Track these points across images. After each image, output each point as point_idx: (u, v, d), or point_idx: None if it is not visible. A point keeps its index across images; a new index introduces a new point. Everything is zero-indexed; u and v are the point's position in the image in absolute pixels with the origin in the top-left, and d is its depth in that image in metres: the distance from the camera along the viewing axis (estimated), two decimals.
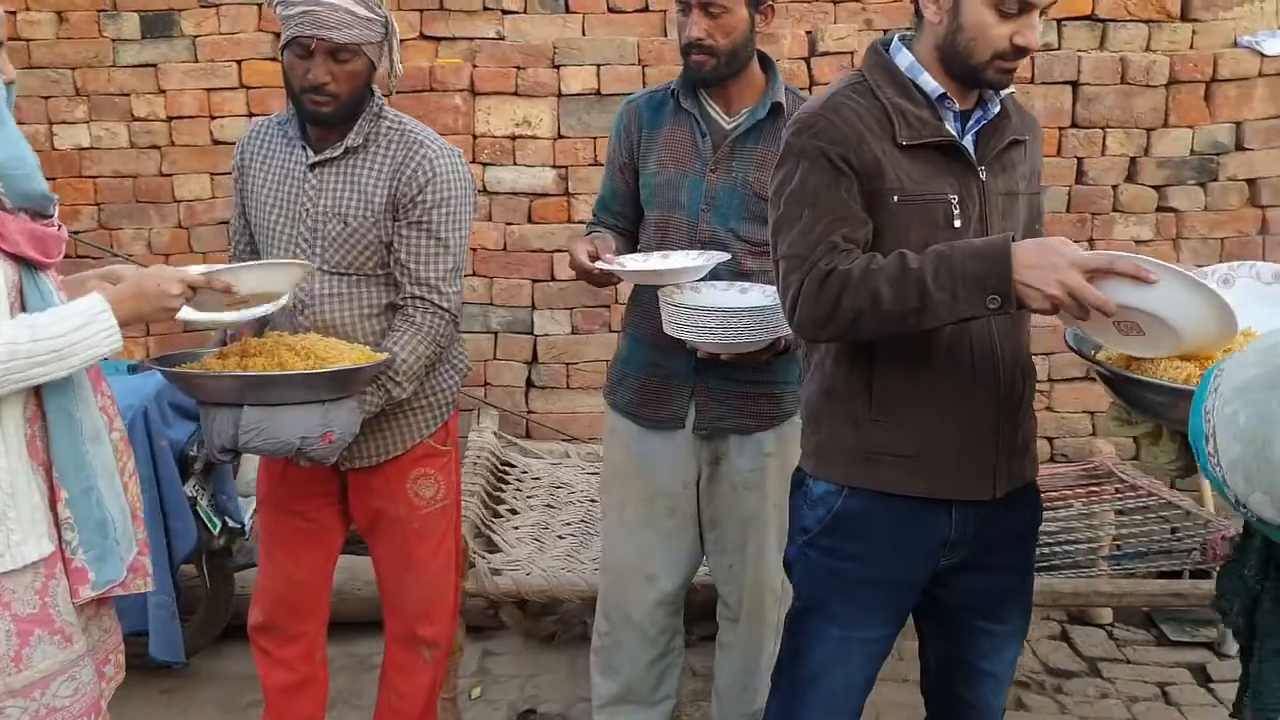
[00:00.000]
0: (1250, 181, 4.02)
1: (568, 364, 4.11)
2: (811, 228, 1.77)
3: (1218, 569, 1.80)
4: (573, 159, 3.95)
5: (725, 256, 2.40)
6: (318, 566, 2.56)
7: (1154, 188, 4.02)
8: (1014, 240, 1.67)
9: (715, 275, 2.44)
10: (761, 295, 2.39)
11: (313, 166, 2.30)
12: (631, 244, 2.63)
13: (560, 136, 3.96)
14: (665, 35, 4.00)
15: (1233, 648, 3.57)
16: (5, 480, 1.72)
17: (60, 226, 1.82)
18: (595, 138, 3.96)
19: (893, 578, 1.91)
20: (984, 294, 1.65)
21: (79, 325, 1.70)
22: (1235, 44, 3.95)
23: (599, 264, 2.40)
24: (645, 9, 4.03)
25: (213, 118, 4.08)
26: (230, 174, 2.52)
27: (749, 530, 2.61)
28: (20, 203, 1.74)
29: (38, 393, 1.76)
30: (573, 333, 4.09)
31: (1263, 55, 3.89)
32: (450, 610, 2.60)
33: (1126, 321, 1.63)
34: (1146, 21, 3.94)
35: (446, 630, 2.59)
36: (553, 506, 3.49)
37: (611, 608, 2.71)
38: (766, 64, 2.51)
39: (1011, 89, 1.91)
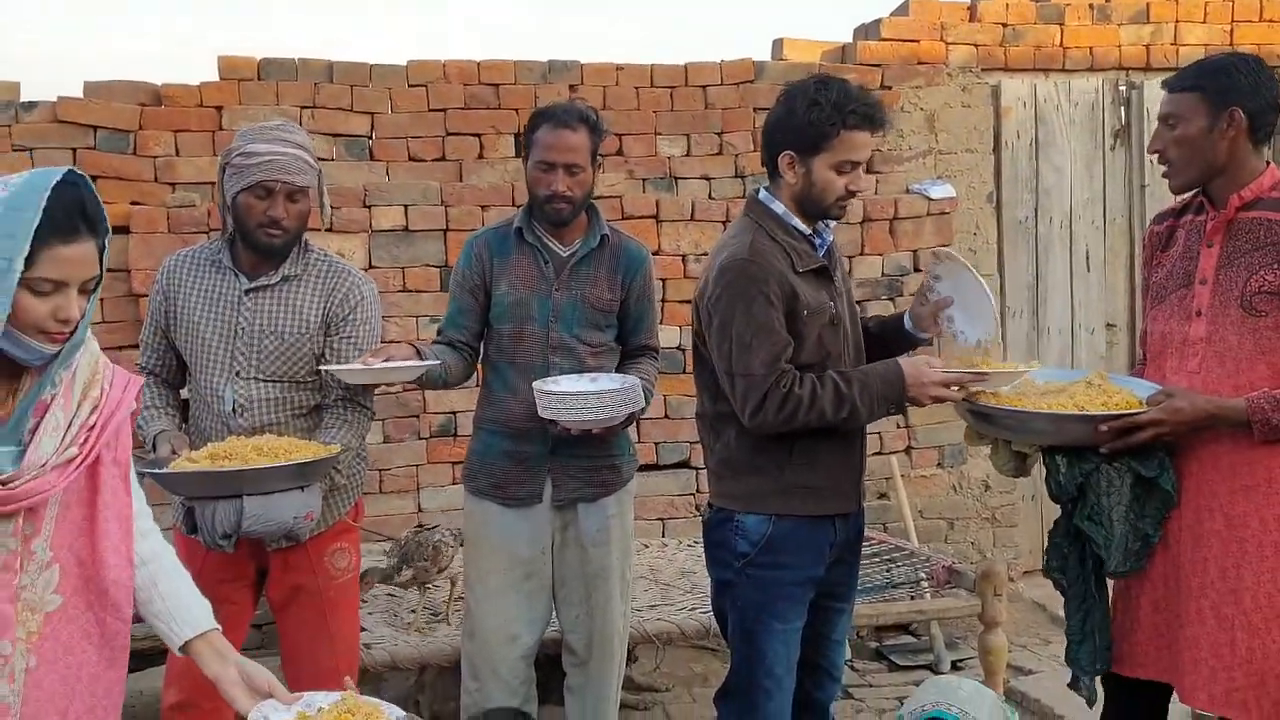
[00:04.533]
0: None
1: (381, 470, 4.51)
2: (762, 355, 2.46)
3: (1045, 548, 2.66)
4: (384, 286, 4.43)
5: (436, 362, 2.86)
6: (232, 645, 2.85)
7: (858, 302, 5.00)
8: (899, 361, 2.52)
9: (561, 372, 3.02)
10: (610, 380, 3.00)
11: (248, 291, 2.72)
12: (472, 357, 3.13)
13: (371, 267, 4.44)
14: (461, 180, 4.63)
15: (946, 665, 4.47)
16: None
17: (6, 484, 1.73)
18: (404, 268, 4.49)
19: (809, 577, 2.60)
20: (889, 406, 2.52)
21: None
22: (908, 190, 5.08)
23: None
24: (442, 158, 4.64)
25: None
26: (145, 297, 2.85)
27: (595, 583, 3.14)
28: None
29: None
30: (385, 441, 4.51)
31: (929, 199, 5.02)
32: (355, 670, 2.97)
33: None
34: None
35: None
36: (393, 595, 3.87)
37: (481, 666, 3.11)
38: (589, 206, 3.16)
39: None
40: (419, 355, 2.83)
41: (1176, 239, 2.61)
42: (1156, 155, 2.54)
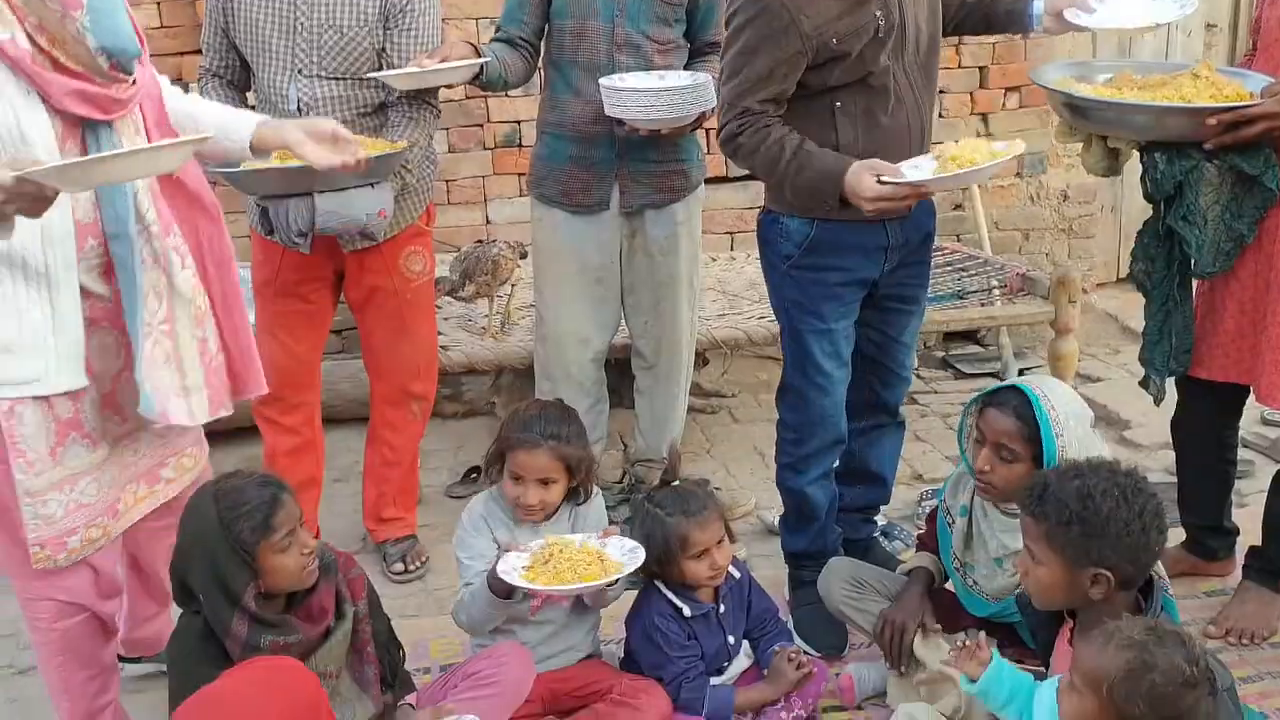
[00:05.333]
0: None
1: (448, 180, 4.48)
2: (740, 86, 2.36)
3: (1131, 249, 2.58)
4: None
5: (488, 59, 2.78)
6: (314, 343, 2.96)
7: None
8: (850, 168, 2.30)
9: (627, 70, 2.87)
10: (679, 78, 2.89)
11: None
12: (532, 56, 2.98)
13: None
14: None
15: (1012, 373, 4.49)
16: (50, 315, 1.94)
17: (134, 81, 1.97)
18: None
19: (857, 279, 2.57)
20: (824, 200, 2.37)
21: None
22: None
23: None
24: None
25: None
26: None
27: (663, 290, 3.16)
28: (107, 40, 1.87)
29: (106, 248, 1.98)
30: (450, 151, 4.46)
31: None
32: (435, 368, 3.07)
33: None
34: None
35: (433, 385, 3.07)
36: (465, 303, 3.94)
37: (554, 368, 3.19)
38: None
39: None
40: (478, 55, 2.73)
41: None
42: None
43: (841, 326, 2.62)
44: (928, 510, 2.78)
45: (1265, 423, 3.74)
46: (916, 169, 2.32)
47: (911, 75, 2.48)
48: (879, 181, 2.26)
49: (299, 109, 2.66)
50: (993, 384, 4.32)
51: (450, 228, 4.49)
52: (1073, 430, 2.21)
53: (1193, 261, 2.44)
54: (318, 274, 2.85)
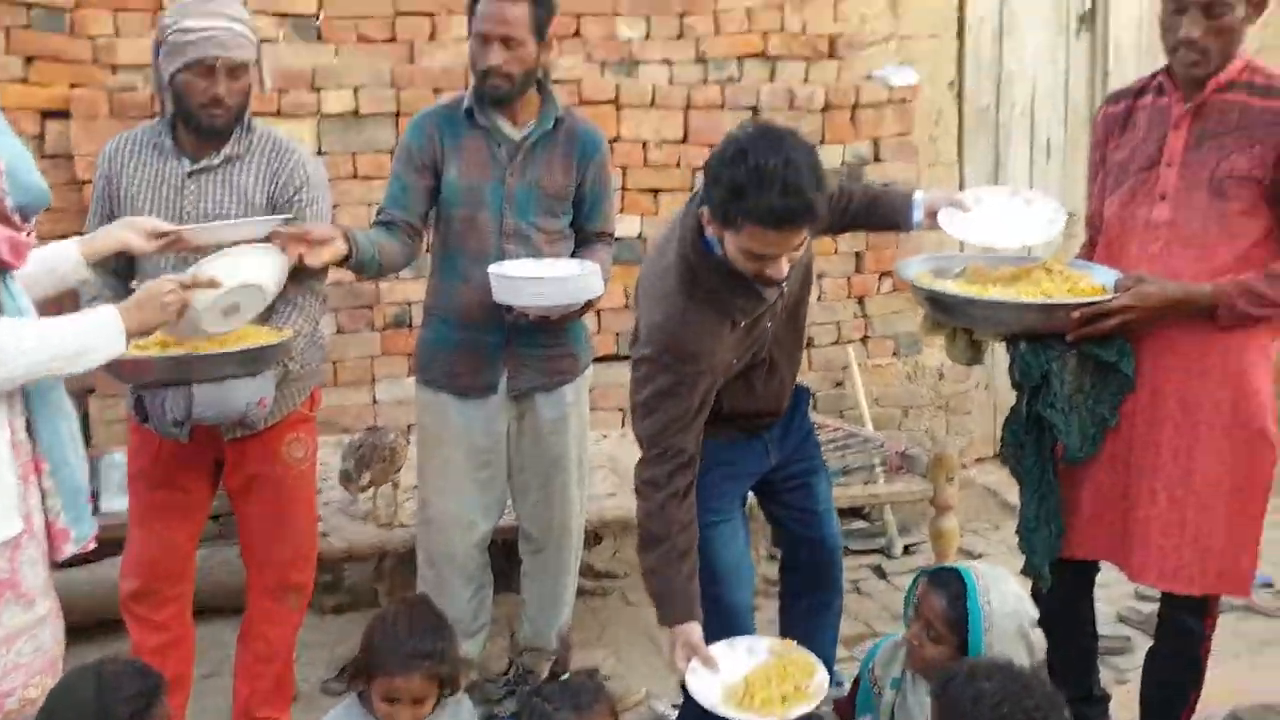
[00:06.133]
0: (885, 184, 5.07)
1: (335, 362, 4.45)
2: (656, 425, 2.43)
3: (1001, 436, 2.68)
4: (334, 173, 4.31)
5: (285, 217, 2.63)
6: (191, 533, 2.86)
7: None
8: (683, 623, 2.40)
9: (515, 259, 2.93)
10: (568, 266, 2.95)
11: (191, 174, 2.64)
12: (413, 240, 2.97)
13: (321, 152, 4.31)
14: (413, 61, 4.48)
15: (898, 550, 4.57)
16: None
17: (31, 233, 2.05)
18: (354, 153, 4.37)
19: (743, 471, 2.67)
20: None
21: (94, 328, 2.00)
22: (869, 77, 4.99)
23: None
24: (393, 39, 4.48)
25: None
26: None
27: (552, 471, 3.14)
28: (21, 199, 1.97)
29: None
30: (338, 332, 4.45)
31: (890, 86, 4.94)
32: (314, 557, 2.98)
33: None
34: (805, 59, 4.90)
35: (311, 575, 2.97)
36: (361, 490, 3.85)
37: (437, 553, 3.11)
38: (541, 85, 3.00)
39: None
40: (345, 238, 2.68)
41: (1136, 121, 2.58)
42: (1186, 46, 2.37)
43: (732, 517, 2.67)
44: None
45: (1140, 598, 3.84)
46: (750, 652, 2.41)
47: (782, 338, 2.63)
48: (688, 656, 2.37)
49: None
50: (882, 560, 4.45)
51: (336, 407, 4.44)
52: (1002, 628, 2.29)
53: (1062, 447, 2.54)
54: (196, 463, 2.78)
